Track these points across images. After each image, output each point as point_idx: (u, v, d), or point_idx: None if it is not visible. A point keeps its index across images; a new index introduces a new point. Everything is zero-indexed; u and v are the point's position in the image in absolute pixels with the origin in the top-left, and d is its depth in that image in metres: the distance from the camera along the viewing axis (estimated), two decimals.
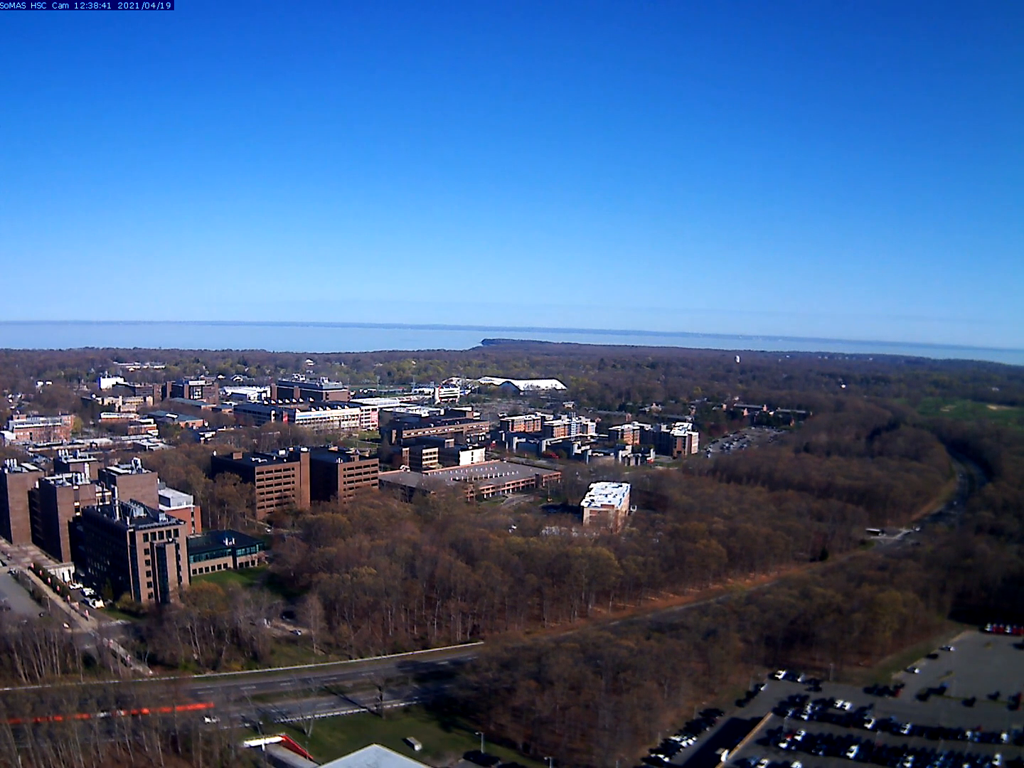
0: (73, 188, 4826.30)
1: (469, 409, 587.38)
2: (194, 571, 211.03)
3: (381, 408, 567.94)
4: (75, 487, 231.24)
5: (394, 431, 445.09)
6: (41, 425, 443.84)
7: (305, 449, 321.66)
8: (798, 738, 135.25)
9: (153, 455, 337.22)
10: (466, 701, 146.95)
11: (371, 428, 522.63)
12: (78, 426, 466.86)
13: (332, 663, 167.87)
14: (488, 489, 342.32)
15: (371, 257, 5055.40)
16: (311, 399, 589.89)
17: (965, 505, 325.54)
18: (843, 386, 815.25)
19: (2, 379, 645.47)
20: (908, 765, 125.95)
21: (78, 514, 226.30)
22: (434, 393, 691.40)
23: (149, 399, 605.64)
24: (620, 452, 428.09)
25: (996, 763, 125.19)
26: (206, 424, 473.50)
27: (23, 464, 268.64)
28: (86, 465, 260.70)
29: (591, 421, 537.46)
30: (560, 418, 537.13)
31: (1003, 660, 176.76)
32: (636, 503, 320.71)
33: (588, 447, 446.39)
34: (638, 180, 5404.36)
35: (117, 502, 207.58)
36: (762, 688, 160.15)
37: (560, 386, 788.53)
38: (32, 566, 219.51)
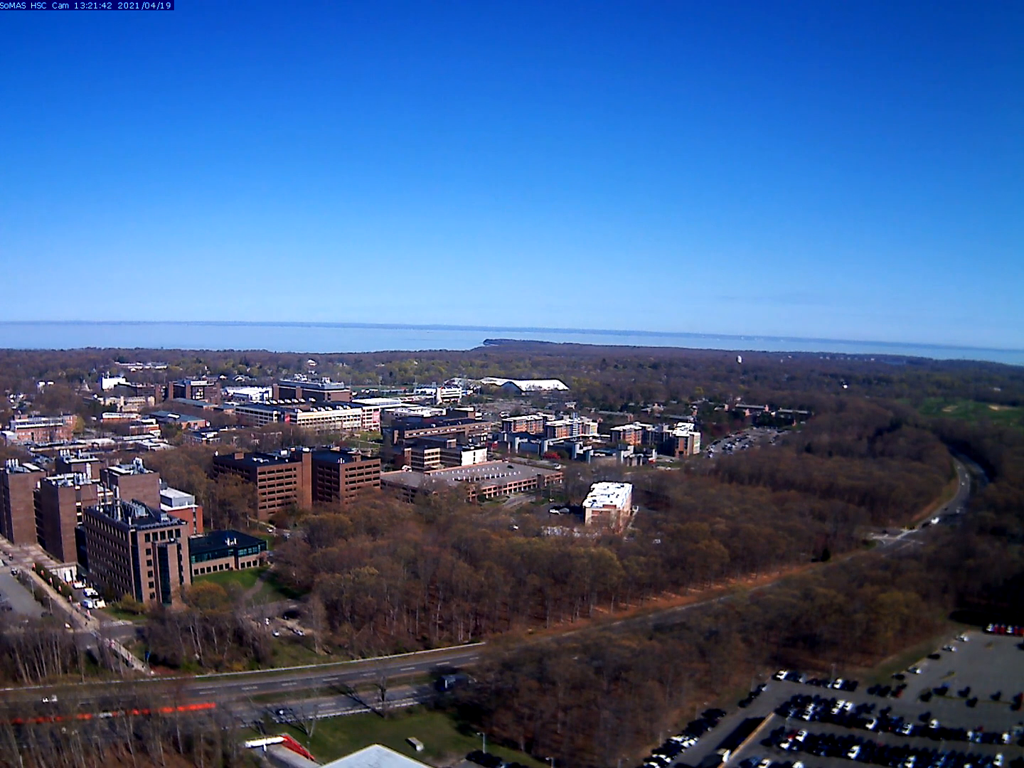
0: (74, 188, 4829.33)
1: (471, 409, 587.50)
2: (196, 571, 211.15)
3: (383, 408, 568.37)
4: (77, 487, 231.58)
5: (396, 431, 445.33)
6: (43, 425, 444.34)
7: (307, 449, 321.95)
8: (800, 738, 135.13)
9: (155, 455, 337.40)
10: (468, 701, 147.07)
11: (373, 428, 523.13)
12: (80, 426, 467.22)
13: (334, 663, 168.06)
14: (490, 489, 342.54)
15: (372, 258, 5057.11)
16: (313, 399, 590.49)
17: (967, 505, 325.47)
18: (845, 386, 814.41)
19: (4, 379, 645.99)
20: (910, 765, 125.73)
21: (80, 514, 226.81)
22: (436, 393, 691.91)
23: (151, 399, 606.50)
24: (622, 452, 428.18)
25: (998, 763, 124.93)
26: (208, 424, 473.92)
27: (25, 464, 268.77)
28: (88, 465, 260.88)
29: (593, 421, 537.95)
30: (562, 418, 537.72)
31: (1005, 660, 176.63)
32: (638, 503, 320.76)
33: (590, 447, 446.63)
34: (640, 181, 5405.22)
35: (119, 502, 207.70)
36: (764, 688, 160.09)
37: (562, 386, 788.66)
38: (34, 566, 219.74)
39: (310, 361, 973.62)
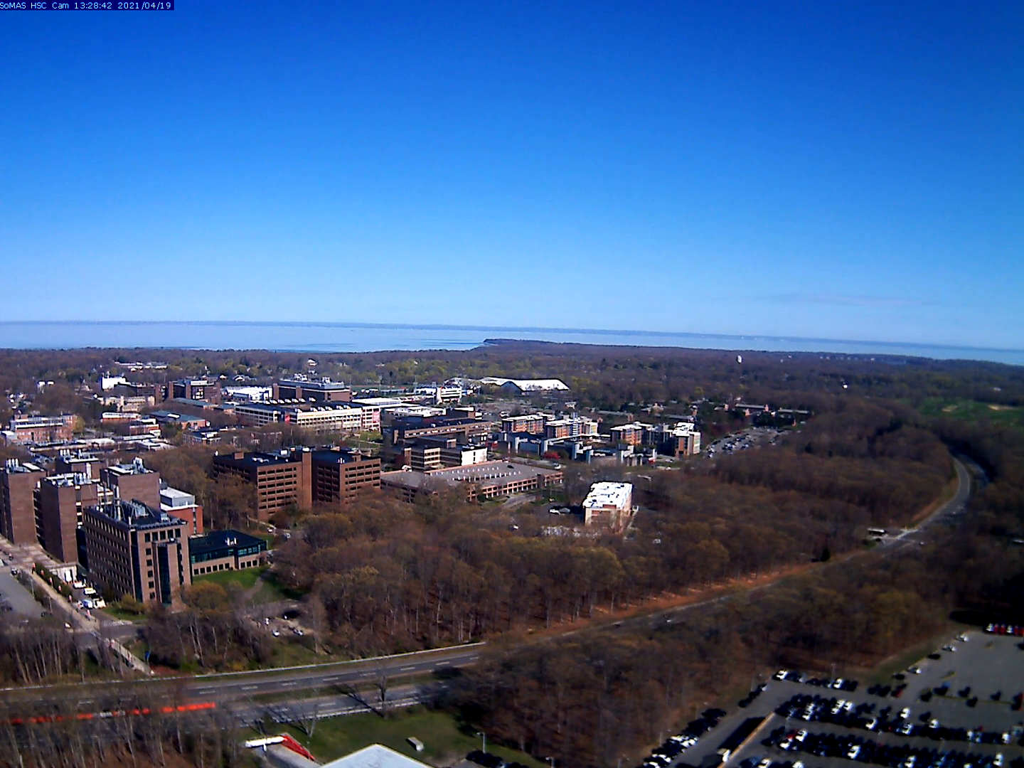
0: (74, 188, 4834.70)
1: (471, 409, 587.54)
2: (196, 571, 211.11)
3: (383, 408, 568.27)
4: (77, 487, 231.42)
5: (396, 431, 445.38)
6: (43, 425, 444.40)
7: (307, 449, 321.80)
8: (800, 738, 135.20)
9: (155, 455, 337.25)
10: (468, 701, 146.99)
11: (373, 428, 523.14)
12: (80, 426, 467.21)
13: (334, 663, 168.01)
14: (490, 489, 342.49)
15: (372, 258, 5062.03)
16: (313, 399, 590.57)
17: (967, 505, 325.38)
18: (845, 386, 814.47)
19: (4, 379, 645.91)
20: (910, 765, 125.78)
21: (80, 514, 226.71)
22: (436, 393, 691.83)
23: (151, 399, 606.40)
24: (622, 452, 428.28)
25: (998, 763, 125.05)
26: (208, 424, 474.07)
27: (25, 464, 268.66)
28: (88, 465, 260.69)
29: (593, 421, 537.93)
30: (562, 418, 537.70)
31: (1005, 660, 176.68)
32: (638, 503, 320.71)
33: (590, 447, 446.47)
34: (640, 181, 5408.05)
35: (119, 502, 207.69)
36: (764, 688, 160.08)
37: (562, 386, 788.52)
38: (34, 566, 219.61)
39: (310, 361, 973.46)
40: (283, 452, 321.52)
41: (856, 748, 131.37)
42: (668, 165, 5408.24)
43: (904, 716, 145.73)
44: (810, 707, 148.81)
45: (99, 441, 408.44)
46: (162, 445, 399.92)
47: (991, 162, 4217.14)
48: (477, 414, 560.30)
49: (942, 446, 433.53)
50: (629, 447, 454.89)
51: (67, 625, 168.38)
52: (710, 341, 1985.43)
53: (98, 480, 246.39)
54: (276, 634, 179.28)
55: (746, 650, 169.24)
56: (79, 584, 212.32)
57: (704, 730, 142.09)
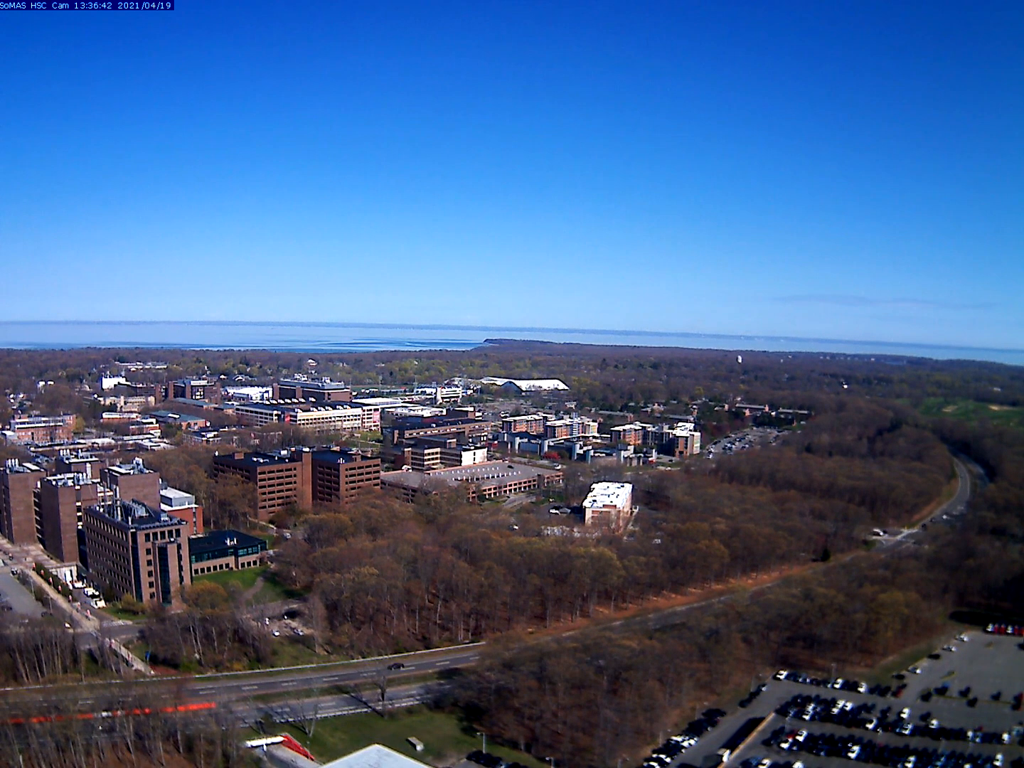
0: (74, 188, 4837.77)
1: (471, 409, 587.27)
2: (196, 571, 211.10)
3: (383, 408, 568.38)
4: (77, 487, 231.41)
5: (396, 431, 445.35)
6: (43, 425, 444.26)
7: (307, 449, 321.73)
8: (800, 738, 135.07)
9: (155, 455, 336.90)
10: (468, 701, 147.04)
11: (373, 428, 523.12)
12: (80, 426, 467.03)
13: (334, 663, 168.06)
14: (490, 489, 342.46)
15: (372, 258, 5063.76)
16: (313, 399, 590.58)
17: (967, 505, 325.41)
18: (845, 386, 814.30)
19: (4, 379, 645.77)
20: (910, 765, 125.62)
21: (80, 514, 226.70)
22: (436, 393, 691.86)
23: (151, 399, 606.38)
24: (622, 452, 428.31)
25: (998, 763, 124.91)
26: (208, 424, 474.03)
27: (25, 464, 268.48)
28: (88, 465, 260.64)
29: (593, 421, 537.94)
30: (562, 418, 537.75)
31: (1005, 660, 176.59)
32: (638, 503, 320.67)
33: (590, 447, 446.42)
34: (640, 180, 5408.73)
35: (119, 502, 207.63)
36: (764, 688, 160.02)
37: (562, 386, 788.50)
38: (34, 566, 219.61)
39: (310, 361, 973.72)
40: (283, 452, 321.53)
41: (856, 748, 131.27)
42: (668, 165, 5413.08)
43: (904, 716, 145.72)
44: (810, 707, 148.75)
45: (99, 441, 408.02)
46: (162, 445, 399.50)
47: (991, 162, 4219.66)
48: (477, 414, 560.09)
49: (942, 446, 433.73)
50: (629, 447, 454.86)
51: (67, 625, 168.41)
52: (710, 341, 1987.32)
53: (98, 480, 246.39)
54: (276, 634, 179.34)
55: (746, 650, 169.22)
56: (79, 584, 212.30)
57: (704, 730, 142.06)
